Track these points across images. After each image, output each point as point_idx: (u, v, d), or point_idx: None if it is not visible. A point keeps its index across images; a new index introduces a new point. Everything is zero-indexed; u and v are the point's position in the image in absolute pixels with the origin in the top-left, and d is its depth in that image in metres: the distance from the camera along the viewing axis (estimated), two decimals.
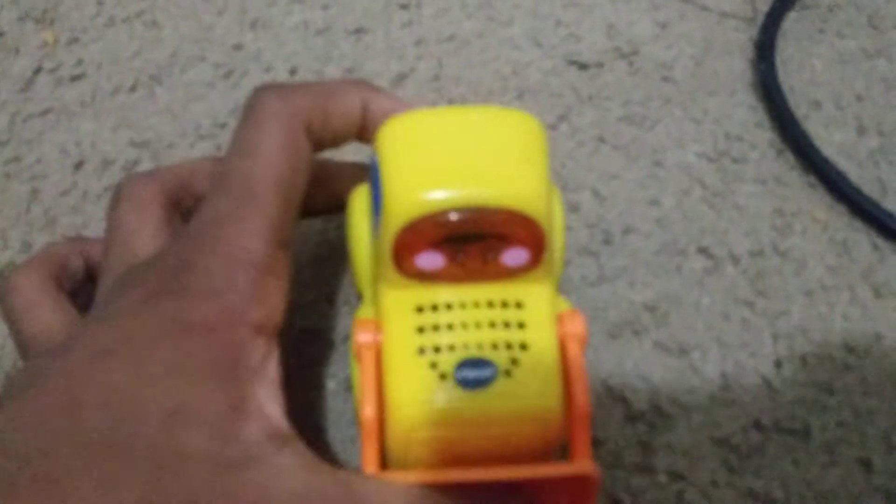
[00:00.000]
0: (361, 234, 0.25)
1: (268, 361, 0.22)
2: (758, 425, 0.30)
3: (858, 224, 0.35)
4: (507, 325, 0.23)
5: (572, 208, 0.35)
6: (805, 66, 0.40)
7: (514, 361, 0.22)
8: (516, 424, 0.22)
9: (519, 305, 0.23)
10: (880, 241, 0.34)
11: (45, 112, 0.37)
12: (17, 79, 0.39)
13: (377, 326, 0.23)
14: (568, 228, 0.34)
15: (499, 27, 0.41)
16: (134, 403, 0.20)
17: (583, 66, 0.40)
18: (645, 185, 0.36)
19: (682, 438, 0.29)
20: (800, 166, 0.36)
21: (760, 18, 0.41)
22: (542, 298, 0.23)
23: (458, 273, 0.23)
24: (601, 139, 0.37)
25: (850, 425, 0.30)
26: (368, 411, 0.22)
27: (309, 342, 0.32)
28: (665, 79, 0.39)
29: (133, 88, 0.38)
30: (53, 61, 0.39)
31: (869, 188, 0.35)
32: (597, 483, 0.22)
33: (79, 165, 0.36)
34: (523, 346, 0.22)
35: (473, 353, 0.22)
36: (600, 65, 0.40)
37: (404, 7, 0.42)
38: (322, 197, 0.28)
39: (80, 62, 0.39)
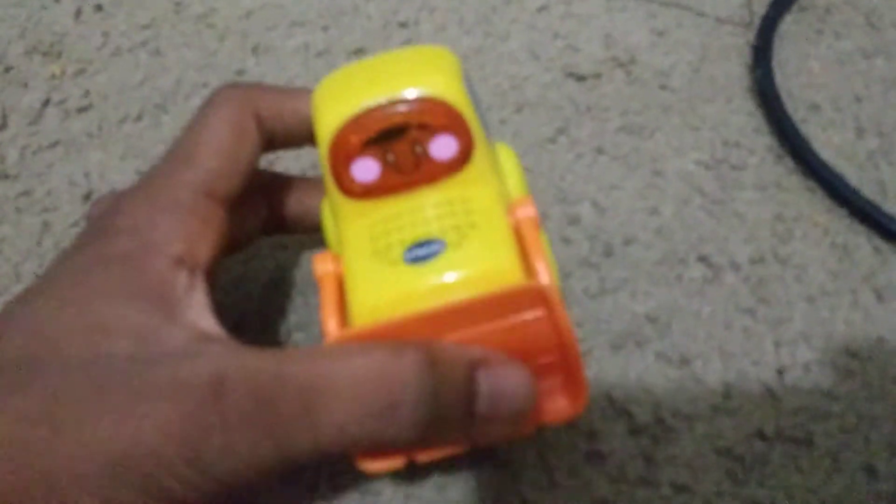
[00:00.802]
0: (327, 216, 0.27)
1: (193, 291, 0.23)
2: (761, 434, 0.30)
3: (859, 227, 0.35)
4: (453, 214, 0.24)
5: (572, 221, 0.35)
6: (803, 69, 0.40)
7: (463, 236, 0.23)
8: (474, 288, 0.22)
9: (464, 200, 0.24)
10: (881, 244, 0.34)
11: (54, 144, 0.38)
12: (27, 112, 0.39)
13: (335, 258, 0.24)
14: (568, 241, 0.35)
15: (497, 42, 0.42)
16: (53, 328, 0.22)
17: (581, 78, 0.40)
18: (644, 195, 0.36)
19: (685, 450, 0.30)
20: (799, 171, 0.36)
21: (757, 22, 0.41)
22: (487, 191, 0.24)
23: (397, 180, 0.24)
24: (600, 150, 0.37)
25: (853, 431, 0.30)
26: (330, 322, 0.23)
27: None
28: (663, 87, 0.40)
29: (139, 117, 0.39)
30: (61, 93, 0.40)
31: (869, 190, 0.35)
32: (556, 300, 0.22)
33: (88, 196, 0.37)
34: (472, 226, 0.23)
35: (421, 237, 0.23)
36: (598, 75, 0.40)
37: (403, 25, 0.42)
38: (298, 210, 0.30)
39: (86, 93, 0.40)
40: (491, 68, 0.40)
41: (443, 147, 0.24)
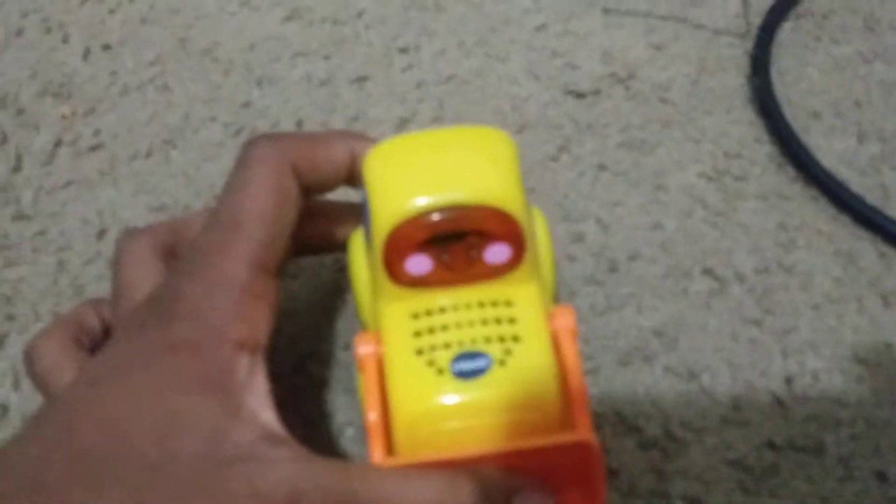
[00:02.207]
0: (360, 269, 0.27)
1: (254, 375, 0.24)
2: (771, 444, 0.30)
3: (863, 233, 0.35)
4: (498, 321, 0.24)
5: (577, 238, 0.36)
6: (802, 77, 0.40)
7: (508, 352, 0.23)
8: (514, 411, 0.23)
9: (508, 303, 0.24)
10: (886, 249, 0.34)
11: (67, 184, 0.39)
12: (39, 153, 0.40)
13: (376, 338, 0.25)
14: (573, 259, 0.35)
15: (496, 63, 0.42)
16: (125, 420, 0.22)
17: (580, 95, 0.40)
18: (647, 210, 0.36)
19: (695, 463, 0.30)
20: (801, 179, 0.37)
21: (754, 32, 0.42)
22: (531, 296, 0.25)
23: (446, 276, 0.24)
24: (602, 167, 0.38)
25: (863, 438, 0.30)
26: (372, 416, 0.23)
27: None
28: (662, 100, 0.40)
29: (149, 154, 0.40)
30: (72, 134, 0.41)
31: (872, 195, 0.36)
32: (597, 452, 0.23)
33: (101, 234, 0.37)
34: (515, 339, 0.24)
35: (468, 347, 0.24)
36: (597, 92, 0.40)
37: (403, 51, 0.43)
38: (320, 234, 0.30)
39: (97, 132, 0.41)
40: (491, 90, 0.41)
41: (497, 254, 0.24)
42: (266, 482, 0.21)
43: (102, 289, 0.36)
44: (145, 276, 0.26)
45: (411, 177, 0.24)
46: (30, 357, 0.27)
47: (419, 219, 0.23)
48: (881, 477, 0.29)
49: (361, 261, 0.27)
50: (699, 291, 0.34)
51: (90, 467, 0.21)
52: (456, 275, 0.24)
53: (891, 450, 0.30)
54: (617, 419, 0.31)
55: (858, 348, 0.32)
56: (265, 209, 0.25)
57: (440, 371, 0.23)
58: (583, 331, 0.33)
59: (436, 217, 0.23)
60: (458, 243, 0.24)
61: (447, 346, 0.24)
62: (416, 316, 0.25)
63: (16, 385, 0.33)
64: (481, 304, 0.24)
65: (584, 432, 0.23)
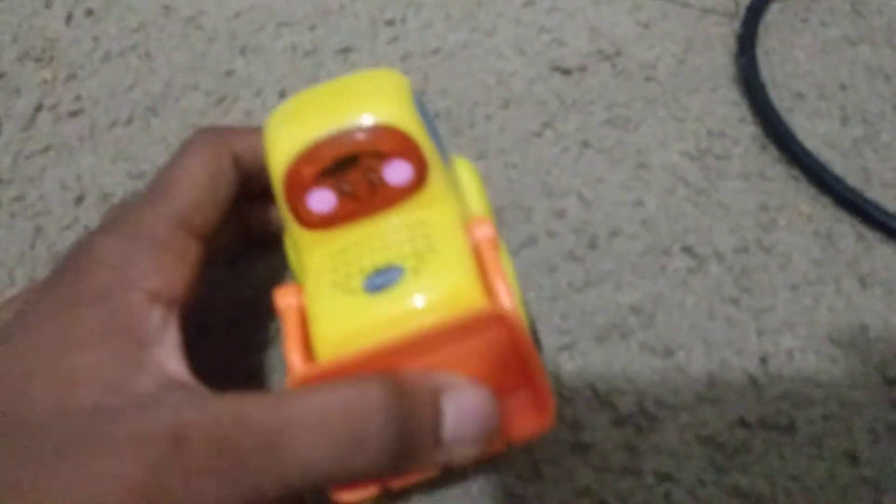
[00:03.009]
0: (291, 250, 0.27)
1: (167, 328, 0.24)
2: (744, 422, 0.30)
3: (843, 215, 0.35)
4: (412, 239, 0.24)
5: (558, 214, 0.36)
6: (788, 58, 0.40)
7: (422, 261, 0.23)
8: (436, 313, 0.22)
9: (422, 223, 0.24)
10: (865, 231, 0.34)
11: (46, 149, 0.39)
12: (19, 118, 0.40)
13: (297, 290, 0.25)
14: (554, 235, 0.35)
15: (483, 37, 0.42)
16: (24, 377, 0.22)
17: (566, 72, 0.40)
18: (629, 187, 0.36)
19: (668, 439, 0.30)
20: (783, 160, 0.36)
21: (742, 12, 0.41)
22: (445, 213, 0.24)
23: (353, 208, 0.24)
24: (585, 144, 0.38)
25: (836, 418, 0.30)
26: (293, 356, 0.23)
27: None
28: (648, 79, 0.40)
29: (129, 121, 0.40)
30: (53, 98, 0.41)
31: (854, 177, 0.35)
32: (517, 324, 0.22)
33: (79, 200, 0.37)
34: (430, 250, 0.23)
35: (380, 265, 0.23)
36: (583, 69, 0.40)
37: (390, 23, 0.43)
38: (261, 222, 0.30)
39: (78, 98, 0.41)
40: (477, 64, 0.41)
41: (397, 172, 0.24)
42: (149, 423, 0.21)
43: None
44: None
45: (300, 119, 0.24)
46: None
47: (309, 152, 0.23)
48: (852, 457, 0.29)
49: (290, 244, 0.27)
50: (678, 269, 0.34)
51: None
52: (363, 205, 0.24)
53: (862, 430, 0.30)
54: (592, 394, 0.31)
55: (834, 329, 0.32)
56: (195, 176, 0.26)
57: (353, 292, 0.23)
58: (561, 306, 0.33)
59: (324, 144, 0.23)
60: (355, 169, 0.24)
61: (361, 270, 0.23)
62: (332, 256, 0.24)
63: None
64: (394, 229, 0.24)
65: (498, 305, 0.22)
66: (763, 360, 0.31)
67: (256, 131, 0.28)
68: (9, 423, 0.21)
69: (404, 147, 0.24)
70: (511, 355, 0.23)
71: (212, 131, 0.28)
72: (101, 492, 0.20)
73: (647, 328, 0.32)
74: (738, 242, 0.34)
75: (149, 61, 0.42)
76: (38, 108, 0.40)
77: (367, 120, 0.23)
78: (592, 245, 0.35)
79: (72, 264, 0.24)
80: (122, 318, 0.23)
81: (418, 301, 0.22)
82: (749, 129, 0.38)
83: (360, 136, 0.23)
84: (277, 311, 0.24)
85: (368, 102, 0.24)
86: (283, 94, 0.40)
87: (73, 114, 0.40)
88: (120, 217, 0.25)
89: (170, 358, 0.23)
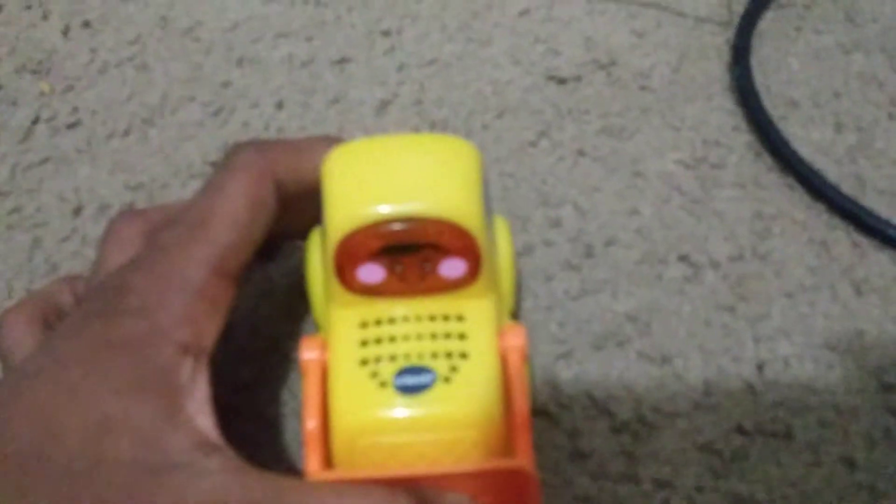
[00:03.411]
0: (316, 268, 0.27)
1: (196, 380, 0.23)
2: (741, 429, 0.30)
3: (837, 222, 0.35)
4: (447, 335, 0.24)
5: (554, 223, 0.36)
6: (782, 66, 0.40)
7: (454, 369, 0.23)
8: (456, 429, 0.23)
9: (460, 318, 0.24)
10: (860, 238, 0.34)
11: (44, 161, 0.39)
12: (17, 130, 0.40)
13: (323, 344, 0.24)
14: (550, 244, 0.35)
15: (478, 48, 0.42)
16: (56, 418, 0.21)
17: (562, 81, 0.40)
18: (625, 196, 0.36)
19: (666, 446, 0.30)
20: (778, 168, 0.37)
21: (736, 21, 0.42)
22: (484, 312, 0.24)
23: (399, 287, 0.24)
24: (581, 152, 0.38)
25: (832, 424, 0.30)
26: (310, 423, 0.23)
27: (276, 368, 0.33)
28: (643, 88, 0.40)
29: (127, 132, 0.40)
30: (50, 111, 0.41)
31: (848, 185, 0.36)
32: (533, 481, 0.23)
33: (77, 211, 0.37)
34: (463, 356, 0.23)
35: (413, 361, 0.23)
36: (579, 78, 0.40)
37: (386, 34, 0.43)
38: (284, 222, 0.29)
39: (75, 110, 0.41)
40: (473, 74, 0.41)
41: (452, 268, 0.24)
42: (194, 493, 0.20)
43: (77, 267, 0.36)
44: (126, 259, 0.26)
45: (369, 183, 0.24)
46: None
47: (373, 228, 0.23)
48: (849, 463, 0.30)
49: (318, 260, 0.27)
50: (674, 277, 0.34)
51: (16, 463, 0.21)
52: (409, 286, 0.24)
53: (859, 436, 0.30)
54: (589, 402, 0.31)
55: (830, 336, 0.32)
56: (237, 214, 0.25)
57: (383, 384, 0.23)
58: (558, 315, 0.33)
59: (390, 227, 0.23)
60: (412, 255, 0.23)
61: (393, 358, 0.23)
62: (364, 325, 0.24)
63: None
64: (432, 318, 0.24)
65: (522, 459, 0.23)
66: (759, 367, 0.32)
67: (301, 150, 0.27)
68: (45, 468, 0.21)
69: (467, 248, 0.23)
70: (515, 500, 0.23)
71: (255, 151, 0.26)
72: None
73: (644, 336, 0.33)
74: (734, 250, 0.35)
75: (146, 73, 0.42)
76: (36, 121, 0.40)
77: (438, 209, 0.23)
78: (589, 254, 0.35)
79: (106, 304, 0.24)
80: (155, 369, 0.22)
81: (444, 414, 0.23)
82: (744, 138, 0.38)
83: (429, 228, 0.23)
84: (301, 362, 0.24)
85: (441, 188, 0.23)
86: (279, 105, 0.40)
87: (71, 126, 0.40)
88: (157, 254, 0.24)
89: (199, 413, 0.23)
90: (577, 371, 0.32)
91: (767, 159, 0.37)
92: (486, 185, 0.25)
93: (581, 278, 0.34)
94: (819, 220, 0.35)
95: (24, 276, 0.35)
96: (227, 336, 0.33)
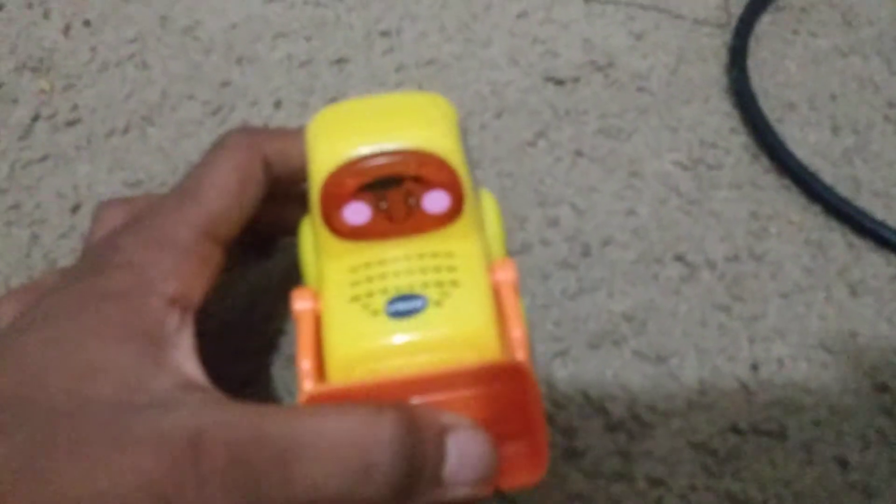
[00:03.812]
0: (307, 252, 0.27)
1: (182, 332, 0.24)
2: (735, 428, 0.30)
3: (833, 224, 0.35)
4: (437, 269, 0.24)
5: (551, 223, 0.36)
6: (779, 69, 0.41)
7: (445, 294, 0.23)
8: (450, 350, 0.23)
9: (449, 255, 0.24)
10: (855, 240, 0.35)
11: (43, 158, 0.39)
12: (16, 127, 0.40)
13: (314, 294, 0.25)
14: (548, 243, 0.35)
15: (477, 48, 0.42)
16: (42, 366, 0.22)
17: (560, 82, 0.41)
18: (622, 196, 0.37)
19: (660, 445, 0.30)
20: (774, 169, 0.37)
21: (734, 23, 0.42)
22: (472, 248, 0.25)
23: (386, 226, 0.24)
24: (579, 153, 0.38)
25: (826, 424, 0.30)
26: (304, 363, 0.23)
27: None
28: (640, 89, 0.40)
29: (126, 130, 0.40)
30: (50, 108, 0.41)
31: (844, 187, 0.36)
32: (532, 383, 0.22)
33: (76, 208, 0.37)
34: (454, 283, 0.24)
35: (404, 290, 0.23)
36: (577, 79, 0.41)
37: (385, 34, 0.43)
38: (274, 216, 0.30)
39: (75, 107, 0.41)
40: (472, 74, 0.41)
41: (435, 201, 0.24)
42: (169, 424, 0.21)
43: None
44: None
45: (348, 128, 0.24)
46: None
47: (354, 164, 0.24)
48: (842, 462, 0.30)
49: (308, 242, 0.27)
50: (670, 277, 0.34)
51: (1, 414, 0.21)
52: (395, 225, 0.24)
53: (852, 437, 0.30)
54: (584, 401, 0.31)
55: (824, 336, 0.32)
56: (227, 183, 0.26)
57: (375, 312, 0.23)
58: (554, 313, 0.34)
59: (370, 162, 0.23)
60: (396, 190, 0.24)
61: (384, 291, 0.24)
62: (354, 269, 0.25)
63: None
64: (421, 255, 0.24)
65: (517, 357, 0.23)
66: (754, 367, 0.32)
67: (289, 134, 0.28)
68: (27, 409, 0.21)
69: (448, 179, 0.24)
70: (516, 405, 0.23)
71: (244, 132, 0.28)
72: (118, 485, 0.20)
73: (640, 335, 0.33)
74: (730, 251, 0.35)
75: (145, 71, 0.42)
76: (36, 118, 0.41)
77: (417, 144, 0.24)
78: (585, 253, 0.35)
79: (95, 262, 0.25)
80: (141, 319, 0.23)
81: (437, 334, 0.23)
82: (740, 139, 0.38)
83: (409, 160, 0.23)
84: (293, 312, 0.24)
85: (420, 126, 0.24)
86: (278, 104, 0.40)
87: (70, 123, 0.40)
88: (146, 219, 0.25)
89: (186, 360, 0.23)
90: (572, 369, 0.32)
91: (764, 161, 0.37)
92: (464, 134, 0.26)
93: (578, 277, 0.34)
94: (815, 221, 0.35)
95: (23, 273, 0.35)
96: (225, 333, 0.33)
